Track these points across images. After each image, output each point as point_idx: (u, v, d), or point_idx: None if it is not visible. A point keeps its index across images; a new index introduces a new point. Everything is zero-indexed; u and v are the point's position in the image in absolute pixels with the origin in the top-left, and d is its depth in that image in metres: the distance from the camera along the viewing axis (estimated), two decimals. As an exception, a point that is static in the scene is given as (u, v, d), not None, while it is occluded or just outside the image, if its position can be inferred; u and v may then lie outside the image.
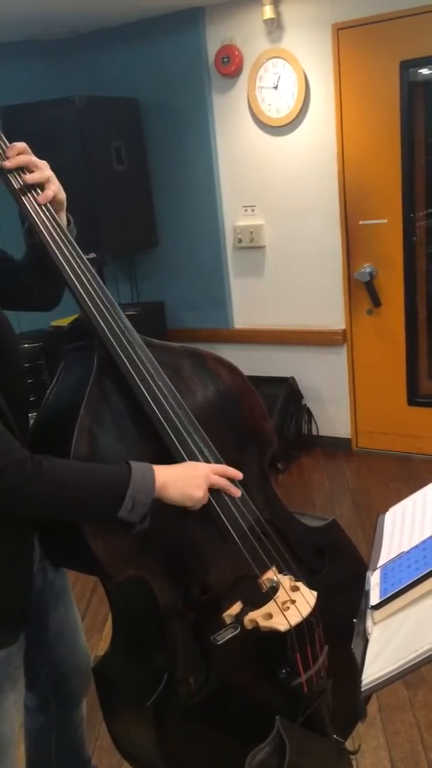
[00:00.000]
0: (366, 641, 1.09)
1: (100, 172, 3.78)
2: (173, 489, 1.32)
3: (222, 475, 1.41)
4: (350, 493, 3.78)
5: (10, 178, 1.37)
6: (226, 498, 1.43)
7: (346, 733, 1.69)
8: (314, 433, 4.28)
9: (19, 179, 1.37)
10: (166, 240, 4.31)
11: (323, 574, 1.65)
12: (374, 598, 1.14)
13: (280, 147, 3.89)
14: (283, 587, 1.48)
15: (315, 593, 1.48)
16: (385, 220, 3.75)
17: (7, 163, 1.35)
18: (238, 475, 1.44)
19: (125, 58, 4.08)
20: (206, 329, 4.34)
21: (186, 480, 1.34)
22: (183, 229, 4.25)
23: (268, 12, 3.65)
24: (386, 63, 3.52)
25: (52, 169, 1.42)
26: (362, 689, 1.03)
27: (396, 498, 1.46)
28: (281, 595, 1.47)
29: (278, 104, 3.81)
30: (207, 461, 1.43)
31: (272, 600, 1.46)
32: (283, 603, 1.45)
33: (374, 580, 1.20)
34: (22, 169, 1.37)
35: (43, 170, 1.39)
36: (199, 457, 1.42)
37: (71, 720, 1.73)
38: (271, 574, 1.49)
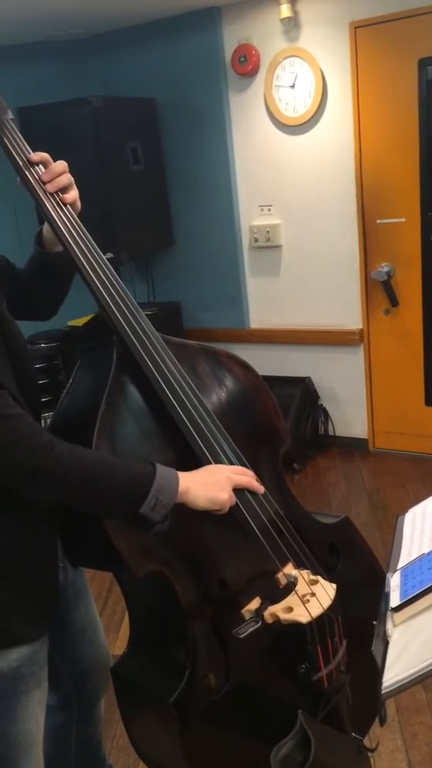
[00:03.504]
0: (386, 644, 1.08)
1: (117, 172, 3.79)
2: (197, 495, 1.33)
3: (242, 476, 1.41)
4: (367, 493, 3.76)
5: (29, 176, 1.39)
6: (247, 493, 1.43)
7: (363, 731, 1.69)
8: (330, 433, 4.27)
9: (39, 179, 1.40)
10: (183, 240, 4.31)
11: (338, 571, 1.65)
12: (394, 600, 1.13)
13: (297, 146, 3.88)
14: (302, 580, 1.48)
15: (334, 585, 1.48)
16: (403, 219, 3.72)
17: (45, 177, 1.39)
18: (259, 488, 1.44)
19: (142, 59, 4.09)
20: (222, 329, 4.34)
21: (210, 485, 1.35)
22: (199, 228, 4.25)
23: (285, 11, 3.64)
24: (404, 61, 3.50)
25: (69, 170, 1.44)
26: (382, 693, 1.02)
27: (413, 499, 1.45)
28: (301, 588, 1.47)
29: (295, 103, 3.80)
30: (228, 459, 1.44)
31: (293, 593, 1.46)
32: (303, 596, 1.45)
33: (394, 582, 1.18)
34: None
35: (69, 175, 1.42)
36: (221, 454, 1.43)
37: (91, 718, 1.74)
38: (290, 569, 1.50)
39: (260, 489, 1.44)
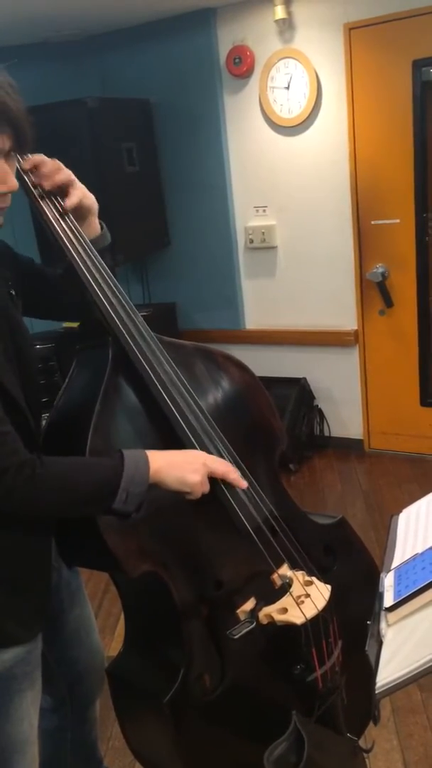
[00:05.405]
0: (380, 644, 1.08)
1: (112, 173, 3.79)
2: (168, 475, 1.30)
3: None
4: (362, 494, 3.76)
5: (27, 180, 1.39)
6: (239, 491, 1.42)
7: (358, 732, 1.69)
8: (326, 433, 4.27)
9: (36, 182, 1.39)
10: (178, 241, 4.32)
11: (333, 572, 1.65)
12: (388, 600, 1.13)
13: (291, 147, 3.89)
14: (297, 581, 1.48)
15: (329, 587, 1.48)
16: (398, 220, 3.73)
17: (45, 184, 1.38)
18: (241, 483, 1.42)
19: (137, 60, 4.09)
20: (218, 330, 4.34)
21: (181, 465, 1.32)
22: (194, 229, 4.25)
23: (279, 12, 3.64)
24: (398, 62, 3.50)
25: None
26: (376, 692, 1.02)
27: (409, 499, 1.45)
28: (296, 590, 1.47)
29: (290, 104, 3.80)
30: (222, 458, 1.43)
31: (287, 594, 1.46)
32: (298, 597, 1.46)
33: (388, 581, 1.19)
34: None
35: (67, 173, 1.41)
36: (214, 453, 1.42)
37: (85, 720, 1.74)
38: (284, 570, 1.50)
39: (242, 484, 1.41)
